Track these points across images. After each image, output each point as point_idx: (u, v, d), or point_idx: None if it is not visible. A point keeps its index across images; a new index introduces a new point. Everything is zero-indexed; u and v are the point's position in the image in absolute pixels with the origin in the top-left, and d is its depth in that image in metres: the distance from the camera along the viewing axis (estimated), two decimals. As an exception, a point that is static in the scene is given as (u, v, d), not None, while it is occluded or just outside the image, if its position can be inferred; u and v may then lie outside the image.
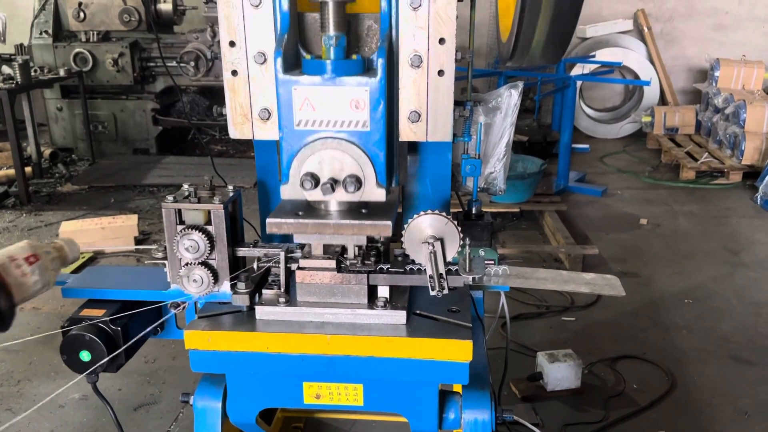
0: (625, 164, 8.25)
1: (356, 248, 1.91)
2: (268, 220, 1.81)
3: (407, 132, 1.92)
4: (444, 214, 1.84)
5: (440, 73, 1.86)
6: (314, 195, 1.79)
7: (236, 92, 1.94)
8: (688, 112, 8.65)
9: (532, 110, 8.24)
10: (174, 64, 7.80)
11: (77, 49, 8.15)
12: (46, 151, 7.88)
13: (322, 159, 1.78)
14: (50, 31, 8.17)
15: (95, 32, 8.22)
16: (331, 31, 1.77)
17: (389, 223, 1.78)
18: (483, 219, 2.31)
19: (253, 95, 1.93)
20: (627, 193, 7.13)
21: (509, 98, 2.41)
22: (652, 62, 9.35)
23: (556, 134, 7.64)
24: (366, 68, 1.78)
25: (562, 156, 6.93)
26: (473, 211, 2.32)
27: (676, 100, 9.49)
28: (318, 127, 1.78)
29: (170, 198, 1.95)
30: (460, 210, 2.45)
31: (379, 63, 1.73)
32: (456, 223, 1.85)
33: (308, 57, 1.80)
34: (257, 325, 1.89)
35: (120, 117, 8.38)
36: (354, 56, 1.79)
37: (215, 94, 8.46)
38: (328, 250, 1.96)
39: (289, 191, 1.81)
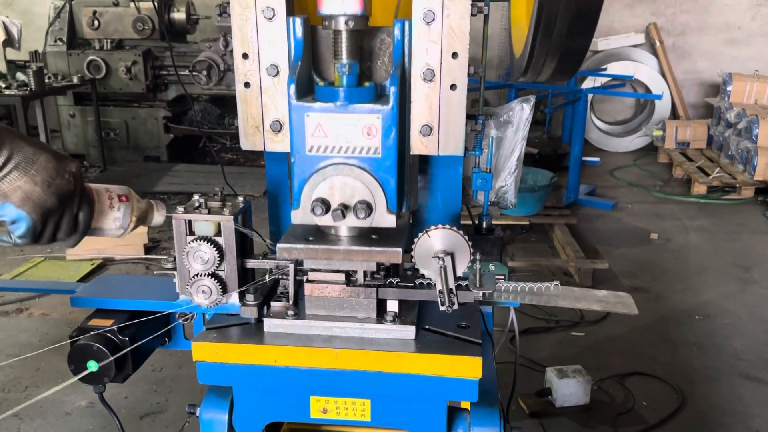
0: (635, 178, 8.21)
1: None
2: (279, 245, 1.81)
3: (418, 146, 1.91)
4: (455, 228, 1.83)
5: (453, 87, 1.85)
6: (325, 220, 1.78)
7: (248, 104, 1.94)
8: (699, 126, 8.61)
9: (542, 122, 8.23)
10: (186, 72, 7.84)
11: (91, 57, 8.23)
12: (58, 158, 7.92)
13: (333, 185, 1.77)
14: (65, 38, 8.26)
15: (109, 40, 8.30)
16: (344, 58, 1.77)
17: (399, 250, 1.78)
18: (493, 233, 2.30)
19: (265, 107, 1.93)
20: (637, 207, 7.09)
21: (521, 112, 2.40)
22: (663, 76, 9.32)
23: (566, 147, 7.62)
24: (378, 95, 1.78)
25: (573, 169, 6.90)
26: (484, 225, 2.30)
27: (688, 114, 9.45)
28: (330, 152, 1.78)
29: (180, 209, 1.94)
30: (470, 224, 2.43)
31: (392, 91, 1.73)
32: (467, 237, 1.84)
33: (321, 83, 1.80)
34: (265, 338, 1.88)
35: (132, 124, 8.44)
36: (366, 83, 1.79)
37: (227, 103, 8.50)
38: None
39: (300, 216, 1.81)
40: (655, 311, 4.81)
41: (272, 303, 1.96)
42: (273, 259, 2.02)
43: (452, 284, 1.82)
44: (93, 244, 5.63)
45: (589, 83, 8.63)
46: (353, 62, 1.76)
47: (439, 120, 1.89)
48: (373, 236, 1.85)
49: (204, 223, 1.94)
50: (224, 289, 1.95)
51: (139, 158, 8.42)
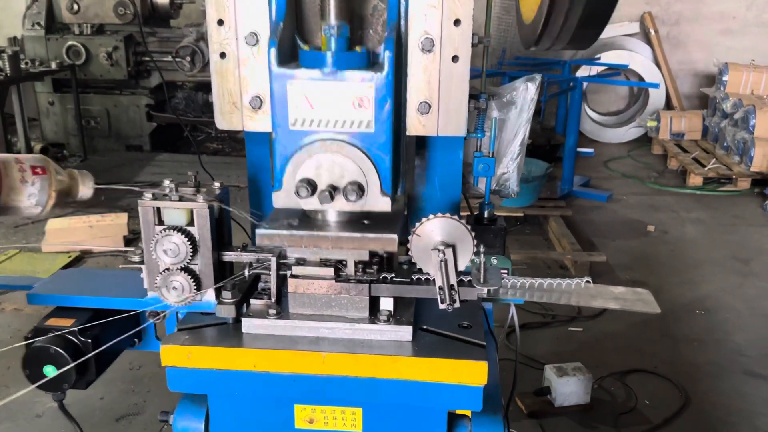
0: (630, 169, 8.06)
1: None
2: (258, 232, 1.60)
3: (416, 125, 1.71)
4: (456, 217, 1.64)
5: (454, 58, 1.66)
6: (311, 203, 1.58)
7: (224, 77, 1.73)
8: (694, 117, 8.47)
9: (536, 112, 8.04)
10: (169, 58, 7.59)
11: (70, 42, 7.95)
12: (37, 147, 7.67)
13: (320, 163, 1.57)
14: (43, 23, 7.96)
15: (89, 25, 8.03)
16: (332, 20, 1.56)
17: (395, 236, 1.58)
18: (495, 224, 2.10)
19: (244, 81, 1.72)
20: (633, 199, 6.94)
21: (525, 92, 2.20)
22: (658, 65, 9.17)
23: (560, 137, 7.45)
24: (371, 62, 1.57)
25: (567, 160, 6.73)
26: (485, 215, 2.11)
27: (682, 104, 9.31)
28: (316, 127, 1.58)
29: (148, 195, 1.74)
30: (469, 214, 2.24)
31: (386, 56, 1.52)
32: (469, 227, 1.64)
33: (306, 48, 1.59)
34: (244, 340, 1.68)
35: (113, 112, 8.18)
36: (358, 48, 1.58)
37: (211, 91, 8.24)
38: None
39: (283, 199, 1.60)
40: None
41: (252, 301, 1.76)
42: (253, 251, 1.82)
43: (453, 280, 1.63)
44: (68, 235, 5.40)
45: (583, 72, 8.46)
46: (343, 23, 1.55)
47: (438, 96, 1.69)
48: (365, 222, 1.65)
49: (174, 211, 1.73)
50: (198, 286, 1.75)
51: (121, 147, 8.16)
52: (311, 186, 1.55)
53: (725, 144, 7.67)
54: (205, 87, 8.29)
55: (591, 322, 4.40)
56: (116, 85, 8.14)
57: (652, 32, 9.29)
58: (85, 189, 1.74)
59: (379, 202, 1.59)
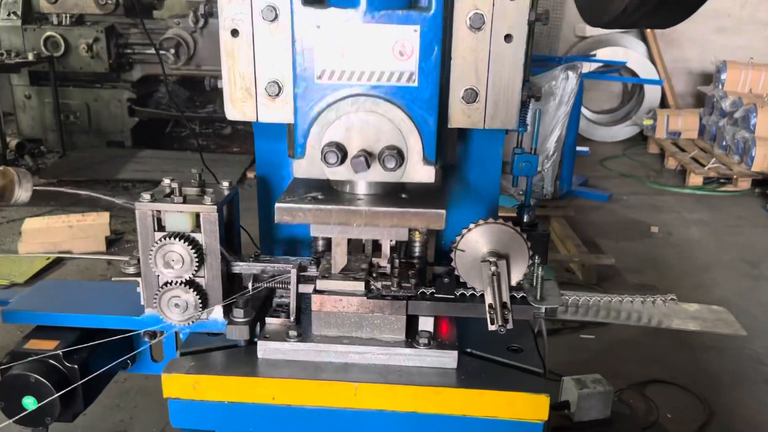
0: (627, 168, 7.90)
1: (390, 264, 1.45)
2: (278, 205, 1.36)
3: (459, 116, 1.48)
4: (509, 224, 1.40)
5: (507, 38, 1.42)
6: (340, 173, 1.34)
7: (236, 59, 1.47)
8: (691, 115, 8.33)
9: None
10: (152, 51, 7.28)
11: (48, 33, 7.59)
12: (12, 142, 7.29)
13: (352, 124, 1.33)
14: (19, 12, 7.59)
15: (68, 15, 7.67)
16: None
17: (442, 212, 1.34)
18: (536, 229, 1.87)
19: (260, 63, 1.47)
20: (633, 199, 6.77)
21: (565, 82, 2.00)
22: (653, 62, 9.04)
23: (558, 135, 7.26)
24: (414, 1, 1.34)
25: (566, 158, 6.53)
26: (525, 219, 1.87)
27: (677, 102, 9.19)
28: (347, 80, 1.34)
29: (146, 196, 1.48)
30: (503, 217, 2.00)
31: (435, -6, 1.29)
32: (524, 236, 1.41)
33: (337, -16, 1.35)
34: (259, 367, 1.44)
35: (93, 107, 7.82)
36: (399, -15, 1.34)
37: (196, 85, 7.93)
38: (353, 266, 1.51)
39: (305, 168, 1.36)
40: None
41: (268, 320, 1.51)
42: (268, 261, 1.57)
43: (506, 297, 1.40)
44: (46, 236, 5.08)
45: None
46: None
47: (487, 82, 1.45)
48: (403, 195, 1.41)
49: (178, 215, 1.48)
50: (204, 302, 1.50)
51: (102, 143, 7.80)
52: (341, 151, 1.31)
53: (724, 143, 7.54)
54: (189, 81, 7.98)
55: (602, 329, 4.19)
56: (97, 78, 7.79)
57: (648, 29, 9.14)
58: (22, 191, 1.53)
59: (420, 171, 1.36)
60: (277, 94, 1.48)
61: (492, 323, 1.41)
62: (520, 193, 2.10)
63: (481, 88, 1.45)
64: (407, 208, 1.35)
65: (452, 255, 1.43)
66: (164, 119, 8.10)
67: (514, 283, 1.42)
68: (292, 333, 1.46)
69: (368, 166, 1.30)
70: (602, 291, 4.94)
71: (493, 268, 1.37)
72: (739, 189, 7.07)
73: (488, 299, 1.40)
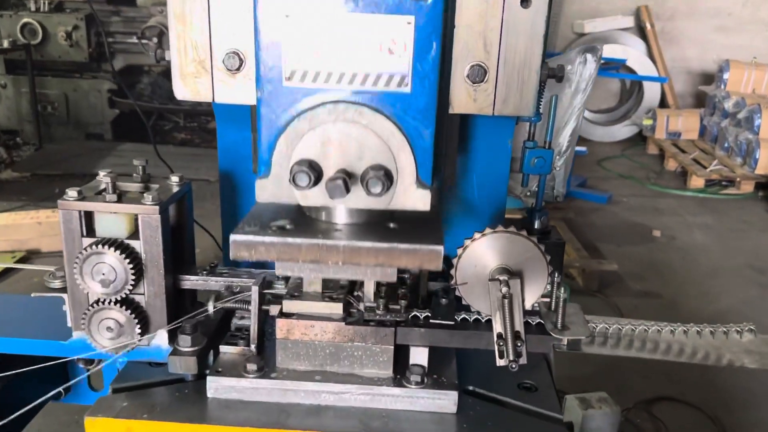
0: (626, 169, 7.66)
1: (377, 283, 1.17)
2: (233, 238, 1.07)
3: (463, 99, 1.19)
4: (523, 234, 1.12)
5: (524, 2, 1.14)
6: (313, 197, 1.06)
7: (187, 23, 1.18)
8: (691, 116, 8.09)
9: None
10: (134, 40, 6.96)
11: (25, 20, 7.25)
12: (-14, 134, 6.97)
13: (329, 138, 1.05)
14: (-7, -3, 7.25)
15: (46, 1, 7.33)
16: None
17: (440, 248, 1.06)
18: (549, 237, 1.58)
19: (217, 29, 1.17)
20: (633, 201, 6.52)
21: (583, 66, 1.73)
22: (653, 61, 8.79)
23: (556, 134, 7.00)
24: None
25: (565, 158, 6.28)
26: (536, 226, 1.58)
27: (677, 102, 8.95)
28: (323, 83, 1.06)
29: (73, 193, 1.19)
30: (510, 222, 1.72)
31: (432, -23, 1.00)
32: (542, 248, 1.13)
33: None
34: (209, 410, 1.14)
35: (72, 97, 7.49)
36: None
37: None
38: (330, 285, 1.22)
39: (271, 190, 1.08)
40: (672, 320, 4.19)
41: (222, 349, 1.22)
42: (225, 275, 1.28)
43: (519, 324, 1.11)
44: (13, 232, 4.76)
45: (578, 66, 8.01)
46: None
47: (499, 58, 1.16)
48: (391, 225, 1.13)
49: (110, 218, 1.19)
50: (143, 325, 1.21)
51: (81, 135, 7.48)
52: (314, 171, 1.03)
53: (726, 145, 7.30)
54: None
55: (605, 339, 3.90)
56: (76, 67, 7.47)
57: (648, 26, 8.90)
58: None
59: (413, 196, 1.08)
60: (238, 69, 1.19)
61: (501, 357, 1.13)
62: (528, 194, 1.83)
63: (490, 65, 1.17)
64: (396, 243, 1.06)
65: (452, 272, 1.14)
66: (146, 112, 7.78)
67: (528, 306, 1.14)
68: (251, 366, 1.17)
69: (347, 191, 1.02)
70: (604, 297, 4.70)
71: (503, 289, 1.09)
72: (742, 192, 6.83)
73: (497, 327, 1.12)
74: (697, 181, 6.94)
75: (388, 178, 1.05)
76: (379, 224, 1.13)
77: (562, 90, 1.69)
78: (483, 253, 1.14)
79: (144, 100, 7.49)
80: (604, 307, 4.34)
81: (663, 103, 9.20)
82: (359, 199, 1.06)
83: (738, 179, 6.88)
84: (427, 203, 1.08)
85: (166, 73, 7.73)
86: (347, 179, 1.03)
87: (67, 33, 7.34)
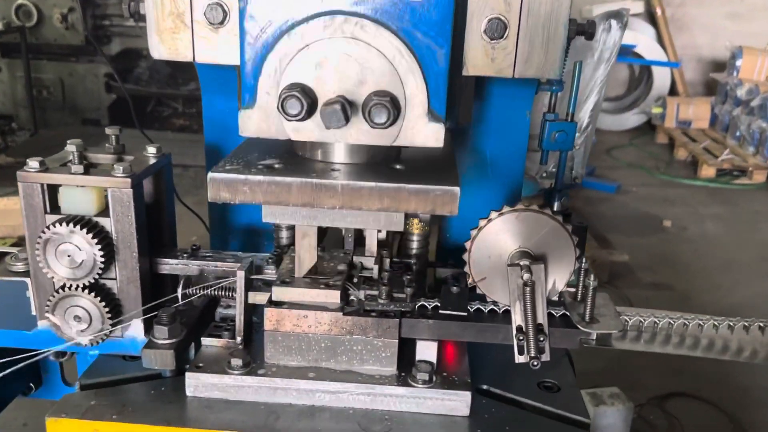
0: (634, 159, 7.49)
1: (378, 265, 1.02)
2: (212, 175, 0.93)
3: (479, 58, 1.04)
4: (547, 212, 0.97)
5: (552, -54, 0.98)
6: (306, 130, 0.92)
7: (163, -30, 1.03)
8: (702, 104, 7.91)
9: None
10: (132, 23, 6.79)
11: (20, 1, 7.08)
12: (-19, 119, 6.83)
13: (325, 57, 0.90)
14: (-12, -22, 7.08)
15: (42, -18, 7.16)
16: None
17: (455, 189, 0.91)
18: (570, 220, 1.43)
19: (196, -24, 1.03)
20: (643, 191, 6.36)
21: (607, 34, 1.60)
22: (663, 47, 8.61)
23: (563, 121, 6.83)
24: None
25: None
26: (555, 207, 1.43)
27: (687, 90, 8.77)
28: None
29: (34, 164, 1.04)
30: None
31: None
32: (569, 228, 0.98)
33: None
34: (188, 410, 1.00)
35: (68, 82, 7.33)
36: None
37: (179, 62, 7.45)
38: (326, 268, 1.07)
39: (256, 122, 0.94)
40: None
41: (204, 341, 1.08)
42: (209, 258, 1.14)
43: (543, 316, 0.97)
44: (5, 218, 4.62)
45: (586, 52, 7.83)
46: None
47: (520, 10, 1.01)
48: (398, 166, 0.98)
49: (76, 192, 1.04)
50: (115, 314, 1.07)
51: (77, 121, 7.33)
52: (307, 97, 0.88)
53: (738, 134, 7.12)
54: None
55: (615, 332, 3.76)
56: (72, 51, 7.30)
57: (659, 12, 8.70)
58: None
59: (423, 130, 0.93)
60: (222, 22, 1.04)
61: (521, 353, 0.98)
62: (545, 175, 1.68)
63: (511, 18, 1.02)
64: (403, 184, 0.91)
65: (465, 256, 1.00)
66: (145, 97, 7.63)
67: (553, 296, 1.00)
68: (236, 361, 1.02)
69: (347, 120, 0.87)
70: (615, 289, 4.56)
71: (525, 276, 0.94)
72: (754, 182, 6.67)
73: (516, 319, 0.98)
74: (708, 171, 6.78)
75: (394, 106, 0.90)
76: (383, 164, 0.99)
77: (584, 59, 1.54)
78: (500, 234, 0.99)
79: (142, 84, 7.34)
80: (614, 300, 4.19)
81: (673, 91, 9.02)
82: (360, 132, 0.91)
83: (750, 169, 6.72)
84: (440, 138, 0.93)
85: (165, 58, 7.57)
86: (346, 106, 0.88)
87: (62, 15, 7.17)
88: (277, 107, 0.88)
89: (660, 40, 8.79)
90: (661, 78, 8.57)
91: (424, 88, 0.91)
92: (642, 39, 8.53)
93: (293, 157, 1.00)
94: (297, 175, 0.93)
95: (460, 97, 1.08)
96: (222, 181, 0.92)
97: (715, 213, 5.93)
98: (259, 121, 0.93)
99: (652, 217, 5.72)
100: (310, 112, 0.89)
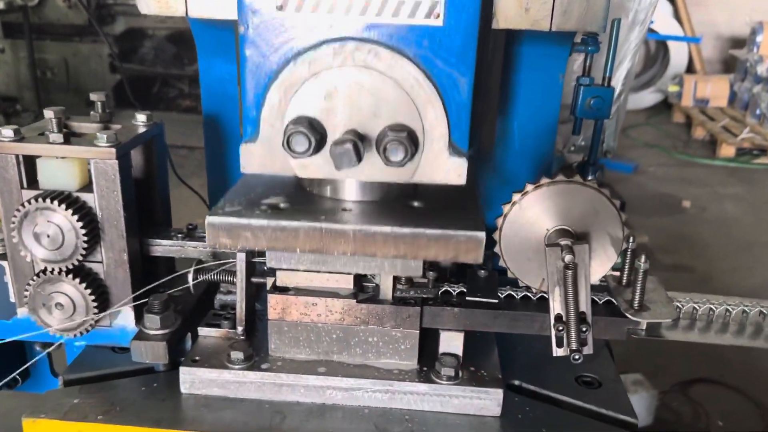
0: (651, 138, 7.31)
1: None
2: (209, 220, 0.81)
3: (511, 9, 0.91)
4: (589, 183, 0.85)
5: None
6: (314, 167, 0.79)
7: None
8: (720, 81, 7.69)
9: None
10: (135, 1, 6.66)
11: (22, -20, 6.93)
12: (-15, 100, 6.73)
13: (335, 88, 0.77)
14: (-11, -44, 6.94)
15: (44, -40, 7.02)
16: None
17: (479, 235, 0.79)
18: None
19: None
20: (660, 171, 6.20)
21: None
22: (680, 23, 8.37)
23: (578, 100, 6.66)
24: None
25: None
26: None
27: (705, 68, 8.53)
28: (327, 13, 0.80)
29: (8, 132, 0.92)
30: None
31: None
32: (616, 203, 0.86)
33: None
34: (183, 410, 0.89)
35: (72, 63, 7.21)
36: None
37: (185, 41, 7.31)
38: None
39: (259, 158, 0.82)
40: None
41: (202, 331, 0.96)
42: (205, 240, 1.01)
43: (586, 304, 0.85)
44: None
45: (600, 29, 7.62)
46: None
47: (560, -49, 0.88)
48: (415, 204, 0.86)
49: (56, 164, 0.92)
50: (102, 302, 0.95)
51: (81, 102, 7.19)
52: (315, 133, 0.76)
53: (758, 111, 6.92)
54: (177, 36, 7.36)
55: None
56: (76, 31, 7.16)
57: (676, -14, 8.45)
58: None
59: (444, 166, 0.81)
60: (219, -30, 0.90)
61: (560, 346, 0.86)
62: (572, 149, 1.55)
63: (548, -38, 0.88)
64: (422, 229, 0.79)
65: (495, 235, 0.87)
66: (150, 77, 7.50)
67: (595, 280, 0.87)
68: (237, 354, 0.91)
69: (359, 159, 0.75)
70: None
71: (567, 257, 0.82)
72: (775, 161, 6.48)
73: (556, 307, 0.85)
74: (727, 150, 6.60)
75: (411, 142, 0.78)
76: (399, 203, 0.86)
77: (620, 20, 1.40)
78: (537, 210, 0.86)
79: (147, 65, 7.21)
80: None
81: (690, 69, 8.79)
82: (374, 169, 0.79)
83: (771, 147, 6.52)
84: (462, 174, 0.81)
85: (171, 37, 7.44)
86: (359, 143, 0.76)
87: (66, -6, 7.03)
88: (282, 144, 0.77)
89: (677, 16, 8.55)
90: (678, 55, 8.35)
91: (445, 120, 0.79)
92: (659, 15, 8.31)
93: (300, 194, 0.88)
94: (304, 219, 0.81)
95: (484, 121, 0.96)
96: (221, 227, 0.81)
97: (734, 193, 5.77)
98: (262, 156, 0.82)
99: (670, 197, 5.57)
100: (318, 148, 0.78)
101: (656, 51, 8.92)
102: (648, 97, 8.48)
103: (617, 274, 0.93)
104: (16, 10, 6.76)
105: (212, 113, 1.26)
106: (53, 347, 1.18)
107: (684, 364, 3.30)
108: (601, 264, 0.87)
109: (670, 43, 8.25)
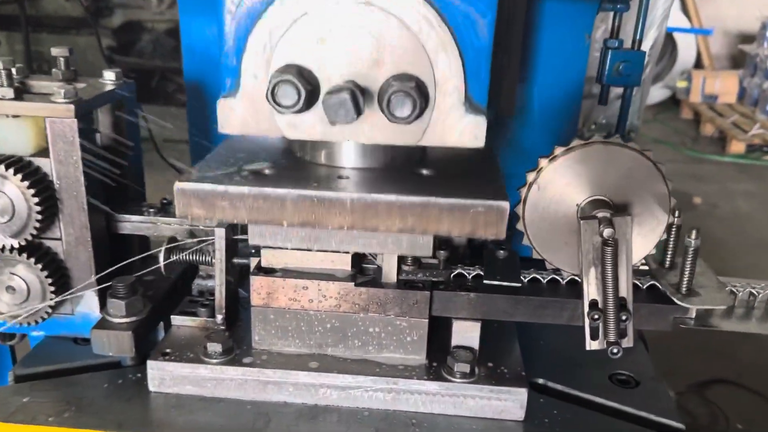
0: (660, 134, 7.20)
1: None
2: (178, 186, 0.68)
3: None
4: (635, 146, 0.71)
5: None
6: (303, 125, 0.66)
7: None
8: (729, 77, 7.56)
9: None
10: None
11: (18, -29, 6.83)
12: (-21, 93, 6.64)
13: (329, 30, 0.63)
14: (-15, -53, 6.84)
15: (41, -49, 6.91)
16: None
17: (503, 205, 0.65)
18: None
19: None
20: (670, 167, 5.93)
21: None
22: (688, 17, 8.24)
23: (585, 94, 6.54)
24: None
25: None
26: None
27: (713, 63, 8.40)
28: None
29: (-50, 88, 0.79)
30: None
31: None
32: (661, 166, 0.73)
33: None
34: (150, 411, 0.76)
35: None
36: None
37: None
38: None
39: (240, 115, 0.69)
40: (722, 295, 3.79)
41: (175, 320, 0.83)
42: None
43: (626, 288, 0.71)
44: None
45: (607, 23, 7.50)
46: None
47: None
48: (424, 171, 0.72)
49: (5, 123, 0.79)
50: (61, 285, 0.82)
51: (79, 96, 7.14)
52: (306, 83, 0.63)
53: (767, 108, 6.79)
54: (176, 30, 7.25)
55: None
56: (73, 23, 7.06)
57: (684, -20, 8.32)
58: None
59: (459, 125, 0.67)
60: None
61: (594, 338, 0.73)
62: (593, 126, 1.42)
63: None
64: (433, 197, 0.65)
65: (518, 208, 0.74)
66: (149, 71, 7.38)
67: (638, 259, 0.74)
68: (214, 347, 0.77)
69: (358, 113, 0.62)
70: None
71: (606, 231, 0.69)
72: (786, 158, 6.36)
73: (591, 292, 0.72)
74: (737, 146, 6.49)
75: (420, 94, 0.64)
76: (405, 170, 0.73)
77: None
78: (568, 178, 0.73)
79: (145, 58, 7.09)
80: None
81: (698, 65, 8.67)
82: (376, 128, 0.66)
83: (781, 144, 6.41)
84: (480, 136, 0.67)
85: (170, 31, 7.32)
86: (357, 92, 0.63)
87: (63, -14, 6.92)
88: (267, 96, 0.63)
89: (685, 10, 8.43)
90: (686, 50, 8.22)
91: (461, 70, 0.65)
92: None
93: (289, 159, 0.75)
94: (293, 186, 0.67)
95: (504, 80, 0.83)
96: (194, 194, 0.67)
97: (746, 190, 5.66)
98: (244, 113, 0.68)
99: (681, 194, 5.47)
100: (309, 103, 0.64)
101: (664, 46, 8.79)
102: (655, 93, 8.34)
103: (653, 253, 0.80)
104: (12, 2, 6.64)
105: (195, 79, 1.13)
106: (15, 341, 1.05)
107: (699, 364, 3.18)
108: (644, 241, 0.74)
109: (678, 39, 8.12)
